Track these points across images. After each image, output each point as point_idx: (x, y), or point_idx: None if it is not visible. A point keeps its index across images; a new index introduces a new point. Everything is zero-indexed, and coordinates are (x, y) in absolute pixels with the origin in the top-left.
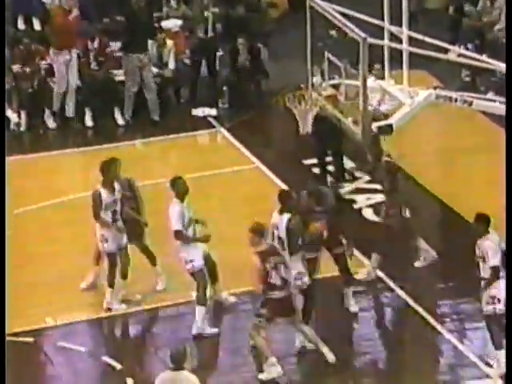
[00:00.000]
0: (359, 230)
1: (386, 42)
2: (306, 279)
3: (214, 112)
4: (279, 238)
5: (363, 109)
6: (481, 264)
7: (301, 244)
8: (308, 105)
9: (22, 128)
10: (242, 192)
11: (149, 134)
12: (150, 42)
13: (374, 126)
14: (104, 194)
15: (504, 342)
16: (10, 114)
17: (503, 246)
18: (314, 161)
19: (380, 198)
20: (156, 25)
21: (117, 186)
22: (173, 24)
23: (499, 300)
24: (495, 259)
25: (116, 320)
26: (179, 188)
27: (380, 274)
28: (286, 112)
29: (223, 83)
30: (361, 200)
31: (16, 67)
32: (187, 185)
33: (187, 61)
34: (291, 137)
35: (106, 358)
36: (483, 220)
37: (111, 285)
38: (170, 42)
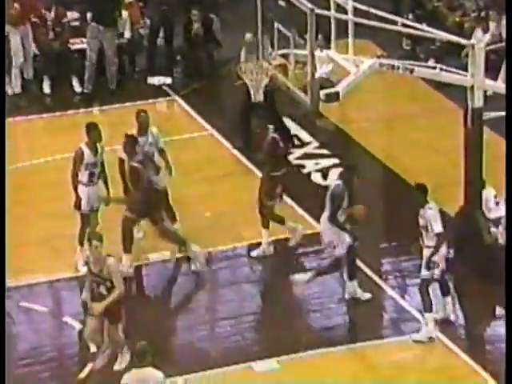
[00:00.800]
0: (308, 194)
1: (332, 12)
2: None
3: (168, 80)
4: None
5: (311, 77)
6: (424, 233)
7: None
8: (258, 73)
9: None
10: (196, 157)
11: (106, 102)
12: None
13: (322, 93)
14: (86, 154)
15: (434, 305)
16: None
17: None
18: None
19: (327, 162)
20: None
21: (100, 149)
22: None
23: (438, 265)
24: (439, 226)
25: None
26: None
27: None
28: (238, 81)
29: (177, 52)
30: (309, 165)
31: None
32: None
33: (142, 31)
34: (242, 103)
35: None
36: (422, 189)
37: (81, 243)
38: (125, 13)
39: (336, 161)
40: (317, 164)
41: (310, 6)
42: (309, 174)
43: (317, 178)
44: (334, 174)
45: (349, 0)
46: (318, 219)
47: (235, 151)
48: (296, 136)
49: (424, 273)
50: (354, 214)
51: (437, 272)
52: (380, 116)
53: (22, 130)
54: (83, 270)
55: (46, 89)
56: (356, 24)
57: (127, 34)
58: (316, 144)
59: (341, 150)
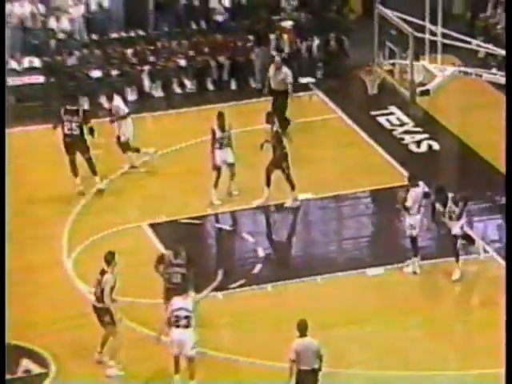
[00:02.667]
0: (406, 158)
1: (426, 35)
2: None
3: (312, 80)
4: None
5: (411, 79)
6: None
7: None
8: (374, 76)
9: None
10: (327, 130)
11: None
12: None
13: (418, 90)
14: (217, 131)
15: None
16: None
17: None
18: (378, 112)
19: (420, 136)
20: (276, 24)
21: (227, 127)
22: (288, 24)
23: (415, 227)
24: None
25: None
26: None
27: None
28: (360, 80)
29: (318, 61)
30: (407, 138)
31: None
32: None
33: (294, 47)
34: (363, 96)
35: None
36: (411, 178)
37: (215, 186)
38: (285, 36)
39: (426, 135)
40: (412, 138)
41: (410, 30)
42: (407, 145)
43: (412, 147)
44: (424, 145)
45: (438, 26)
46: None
47: (355, 126)
48: (398, 118)
49: (408, 232)
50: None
51: (414, 232)
52: (457, 106)
53: (170, 121)
54: (216, 202)
55: (210, 87)
56: (443, 43)
57: (286, 50)
58: (412, 124)
59: (429, 128)
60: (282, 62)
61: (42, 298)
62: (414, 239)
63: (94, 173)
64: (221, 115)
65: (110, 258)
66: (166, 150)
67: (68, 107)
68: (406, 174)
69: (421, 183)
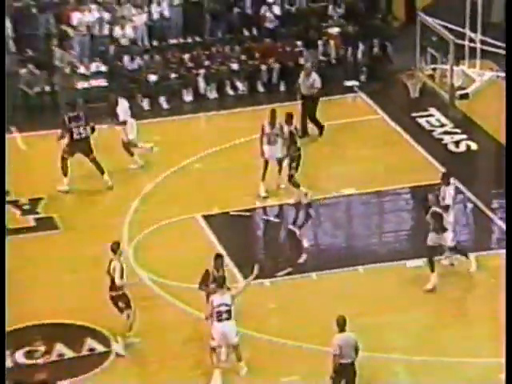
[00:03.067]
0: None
1: (466, 42)
2: None
3: (356, 83)
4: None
5: (450, 83)
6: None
7: None
8: (416, 80)
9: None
10: (370, 130)
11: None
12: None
13: (457, 93)
14: (265, 127)
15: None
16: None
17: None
18: (418, 114)
19: (458, 137)
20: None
21: (277, 124)
22: (334, 30)
23: (451, 223)
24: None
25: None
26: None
27: None
28: (401, 83)
29: (362, 65)
30: (446, 139)
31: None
32: None
33: (340, 52)
34: (404, 98)
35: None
36: (446, 176)
37: (263, 179)
38: (331, 41)
39: (464, 136)
40: (451, 138)
41: (451, 37)
42: (446, 145)
43: (451, 147)
44: (463, 145)
45: (478, 33)
46: (454, 174)
47: (397, 126)
48: (438, 120)
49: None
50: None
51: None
52: (494, 109)
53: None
54: (263, 194)
55: (260, 89)
56: (481, 49)
57: (333, 55)
58: (451, 125)
59: (467, 129)
60: (311, 68)
61: (104, 282)
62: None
63: (102, 172)
64: (273, 112)
65: (115, 248)
66: (219, 147)
67: (71, 114)
68: (443, 172)
69: (452, 181)
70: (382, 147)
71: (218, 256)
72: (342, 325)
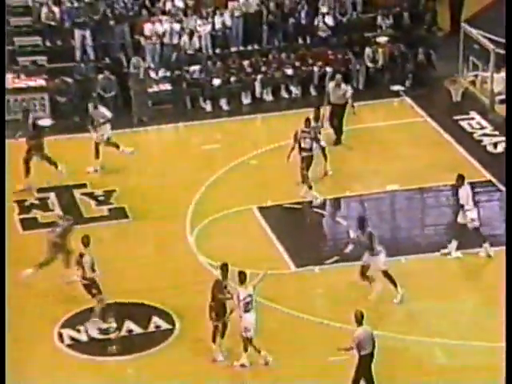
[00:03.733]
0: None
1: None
2: None
3: (402, 88)
4: None
5: (491, 89)
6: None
7: None
8: (458, 85)
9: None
10: (412, 130)
11: (356, 99)
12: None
13: (497, 98)
14: (300, 131)
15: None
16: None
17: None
18: (460, 117)
19: (497, 139)
20: (373, 39)
21: (313, 123)
22: (383, 39)
23: (475, 220)
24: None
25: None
26: None
27: None
28: (444, 89)
29: (409, 72)
30: (486, 140)
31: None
32: None
33: (388, 59)
34: (446, 102)
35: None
36: (460, 177)
37: (306, 180)
38: (380, 50)
39: (502, 138)
40: (490, 140)
41: (492, 46)
42: (485, 146)
43: (490, 148)
44: (501, 147)
45: None
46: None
47: (439, 128)
48: (478, 123)
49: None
50: None
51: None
52: None
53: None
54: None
55: (313, 92)
56: None
57: (381, 62)
58: (491, 128)
59: (505, 132)
60: (341, 79)
61: (169, 266)
62: (477, 229)
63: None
64: (317, 108)
65: (86, 242)
66: (273, 145)
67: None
68: (483, 171)
69: (466, 182)
70: (424, 147)
71: (224, 265)
72: (359, 319)
